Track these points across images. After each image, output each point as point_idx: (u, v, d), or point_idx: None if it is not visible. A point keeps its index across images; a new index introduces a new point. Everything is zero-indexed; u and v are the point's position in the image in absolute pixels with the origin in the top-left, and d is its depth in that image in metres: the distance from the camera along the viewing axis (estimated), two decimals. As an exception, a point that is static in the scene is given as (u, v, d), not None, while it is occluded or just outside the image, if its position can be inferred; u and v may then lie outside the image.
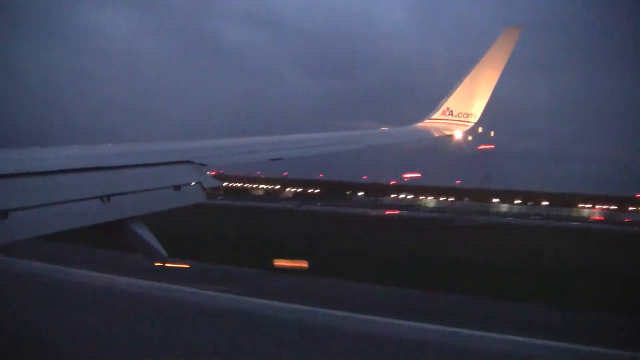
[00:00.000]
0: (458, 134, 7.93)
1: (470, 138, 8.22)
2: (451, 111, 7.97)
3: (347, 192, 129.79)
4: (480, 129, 8.28)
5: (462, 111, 7.97)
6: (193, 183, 3.94)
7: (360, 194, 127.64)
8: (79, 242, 22.30)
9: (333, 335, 13.62)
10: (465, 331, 13.92)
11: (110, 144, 4.47)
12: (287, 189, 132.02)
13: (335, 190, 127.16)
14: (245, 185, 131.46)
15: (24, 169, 3.05)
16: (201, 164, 4.24)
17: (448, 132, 7.85)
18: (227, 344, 12.51)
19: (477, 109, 8.02)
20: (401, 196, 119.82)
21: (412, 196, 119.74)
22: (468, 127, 8.06)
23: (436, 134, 7.67)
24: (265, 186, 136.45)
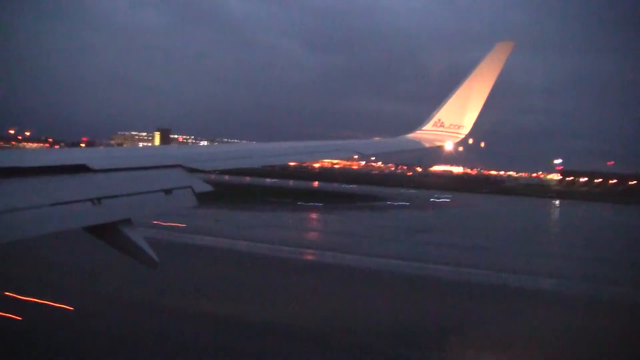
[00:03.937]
0: (449, 146, 8.01)
1: (461, 149, 8.31)
2: (442, 122, 8.05)
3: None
4: (471, 140, 8.38)
5: (454, 123, 8.06)
6: (184, 187, 3.95)
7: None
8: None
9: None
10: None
11: (102, 147, 4.49)
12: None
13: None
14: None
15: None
16: (193, 169, 4.26)
17: (439, 143, 7.93)
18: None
19: (468, 120, 8.11)
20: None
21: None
22: (459, 139, 8.15)
23: (427, 145, 7.75)
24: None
